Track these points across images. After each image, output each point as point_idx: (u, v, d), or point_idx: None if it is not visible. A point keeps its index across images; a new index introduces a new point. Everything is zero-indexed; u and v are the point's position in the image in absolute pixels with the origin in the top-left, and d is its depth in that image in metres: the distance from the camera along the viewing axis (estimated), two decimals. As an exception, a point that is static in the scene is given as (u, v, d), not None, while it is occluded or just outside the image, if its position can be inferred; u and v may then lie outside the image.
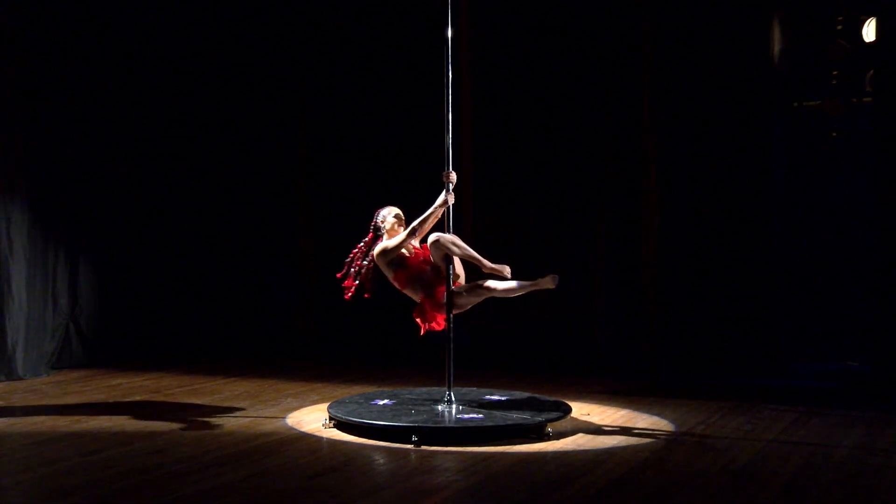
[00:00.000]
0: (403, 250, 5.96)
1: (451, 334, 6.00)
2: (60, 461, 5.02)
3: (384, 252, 5.93)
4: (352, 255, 6.16)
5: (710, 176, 8.08)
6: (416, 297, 5.97)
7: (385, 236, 6.04)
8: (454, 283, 5.90)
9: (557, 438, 5.52)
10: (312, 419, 6.06)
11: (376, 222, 6.11)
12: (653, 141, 8.15)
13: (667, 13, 8.14)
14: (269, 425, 5.93)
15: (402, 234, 5.94)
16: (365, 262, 6.08)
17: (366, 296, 6.10)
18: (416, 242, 6.03)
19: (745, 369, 7.82)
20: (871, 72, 7.71)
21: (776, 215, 8.03)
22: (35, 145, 7.96)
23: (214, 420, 6.07)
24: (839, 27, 7.88)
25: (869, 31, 7.73)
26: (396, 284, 6.01)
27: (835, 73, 7.99)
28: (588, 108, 8.44)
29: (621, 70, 8.33)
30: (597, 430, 5.81)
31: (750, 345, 7.90)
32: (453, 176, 6.04)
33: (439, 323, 5.96)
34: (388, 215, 6.09)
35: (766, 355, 7.88)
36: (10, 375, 7.58)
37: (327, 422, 5.83)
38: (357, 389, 7.02)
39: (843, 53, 7.83)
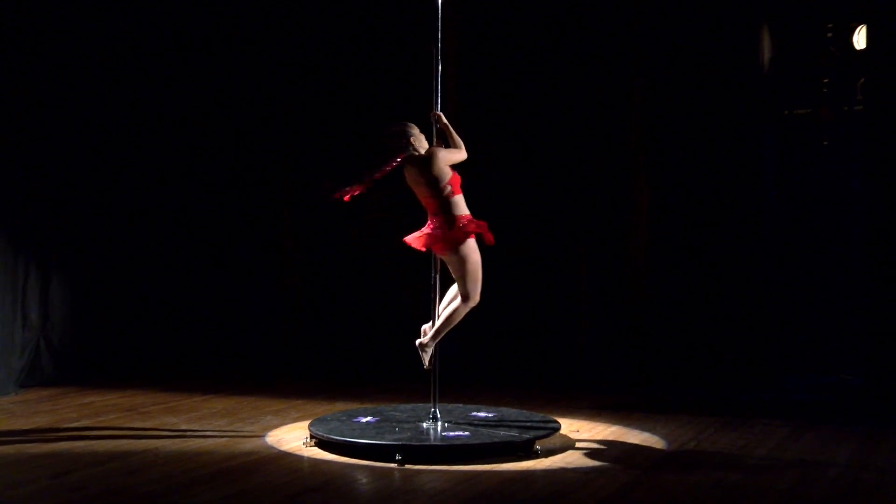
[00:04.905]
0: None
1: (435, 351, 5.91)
2: (29, 483, 4.87)
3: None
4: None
5: (701, 185, 8.05)
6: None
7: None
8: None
9: (546, 456, 5.44)
10: (293, 437, 5.95)
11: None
12: (642, 150, 8.14)
13: (655, 21, 8.11)
14: (248, 444, 5.81)
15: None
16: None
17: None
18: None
19: (737, 383, 7.75)
20: (863, 79, 7.73)
21: (767, 225, 7.97)
22: (2, 153, 7.74)
23: (191, 439, 5.95)
24: (829, 35, 7.92)
25: (859, 39, 7.76)
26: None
27: (825, 80, 8.03)
28: (576, 114, 8.38)
29: (610, 77, 8.28)
30: (586, 447, 5.73)
31: (742, 358, 7.84)
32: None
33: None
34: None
35: (759, 369, 7.82)
36: (-22, 394, 7.37)
37: (308, 440, 5.71)
38: (339, 406, 6.91)
39: (834, 61, 7.88)
